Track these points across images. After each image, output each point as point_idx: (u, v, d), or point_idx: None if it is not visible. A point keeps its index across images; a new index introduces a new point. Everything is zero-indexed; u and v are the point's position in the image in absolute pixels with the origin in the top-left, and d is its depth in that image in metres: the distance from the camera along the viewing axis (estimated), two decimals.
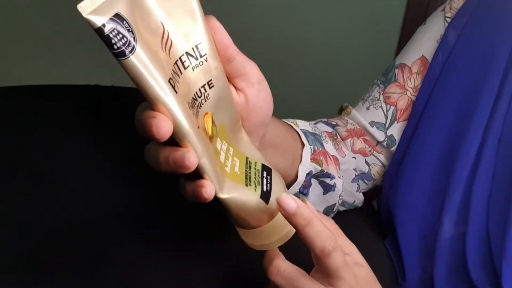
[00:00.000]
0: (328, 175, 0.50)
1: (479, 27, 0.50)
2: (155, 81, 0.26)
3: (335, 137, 0.55)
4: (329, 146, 0.52)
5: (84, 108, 0.80)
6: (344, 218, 0.59)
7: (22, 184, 0.60)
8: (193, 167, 0.28)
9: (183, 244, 0.52)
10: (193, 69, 0.29)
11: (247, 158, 0.34)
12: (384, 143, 0.55)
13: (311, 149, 0.49)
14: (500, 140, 0.46)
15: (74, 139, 0.71)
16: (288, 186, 0.47)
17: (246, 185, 0.32)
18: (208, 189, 0.29)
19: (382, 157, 0.57)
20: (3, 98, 0.82)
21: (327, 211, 0.54)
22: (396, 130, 0.55)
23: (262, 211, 0.33)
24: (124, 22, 0.23)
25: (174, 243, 0.52)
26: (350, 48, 1.51)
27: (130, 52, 0.24)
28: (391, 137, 0.55)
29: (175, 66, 0.28)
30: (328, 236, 0.32)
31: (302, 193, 0.49)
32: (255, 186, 0.33)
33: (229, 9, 1.44)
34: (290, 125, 0.49)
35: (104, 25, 0.22)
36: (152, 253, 0.50)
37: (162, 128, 0.26)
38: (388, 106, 0.55)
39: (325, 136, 0.53)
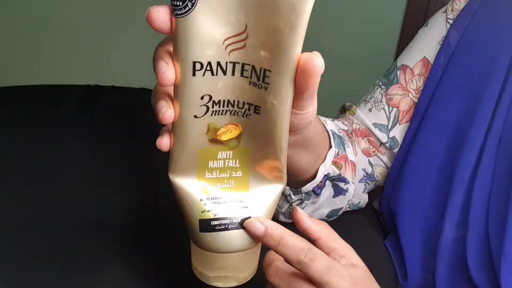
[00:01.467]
0: (344, 180, 0.50)
1: (481, 29, 0.50)
2: (186, 49, 0.26)
3: (350, 136, 0.55)
4: (349, 151, 0.52)
5: (84, 108, 0.80)
6: (344, 218, 0.59)
7: (22, 183, 0.60)
8: (163, 121, 0.29)
9: (183, 243, 0.52)
10: (249, 83, 0.28)
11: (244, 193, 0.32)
12: (387, 144, 0.55)
13: (335, 152, 0.48)
14: (500, 142, 0.46)
15: (74, 139, 0.71)
16: (303, 183, 0.47)
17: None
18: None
19: (385, 158, 0.57)
20: (3, 98, 0.82)
21: (331, 214, 0.54)
22: (398, 132, 0.55)
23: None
24: None
25: (174, 242, 0.52)
26: (350, 48, 1.51)
27: (180, 15, 0.25)
28: (393, 139, 0.55)
29: (229, 64, 0.27)
30: (301, 249, 0.32)
31: (315, 192, 0.48)
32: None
33: None
34: (323, 124, 0.48)
35: None
36: (152, 253, 0.50)
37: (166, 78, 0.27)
38: (391, 108, 0.55)
39: (347, 140, 0.52)
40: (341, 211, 0.54)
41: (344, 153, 0.50)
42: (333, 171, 0.48)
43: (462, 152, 0.48)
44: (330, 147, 0.47)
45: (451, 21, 0.53)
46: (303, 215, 0.35)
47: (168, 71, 0.27)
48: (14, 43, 1.58)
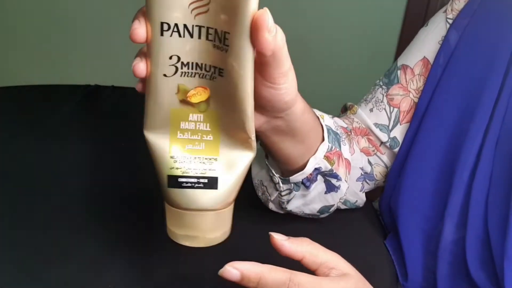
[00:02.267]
0: (336, 176, 0.50)
1: (480, 28, 0.50)
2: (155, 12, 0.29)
3: (349, 133, 0.55)
4: (345, 149, 0.52)
5: (84, 108, 0.80)
6: (344, 218, 0.59)
7: (22, 183, 0.60)
8: (136, 74, 0.31)
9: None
10: (213, 46, 0.30)
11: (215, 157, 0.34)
12: (387, 144, 0.55)
13: (328, 146, 0.48)
14: (497, 141, 0.46)
15: (74, 139, 0.71)
16: (293, 173, 0.47)
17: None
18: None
19: (385, 158, 0.57)
20: (3, 98, 0.82)
21: (323, 210, 0.54)
22: (399, 132, 0.55)
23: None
24: None
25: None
26: (350, 48, 1.51)
27: None
28: (394, 139, 0.55)
29: (195, 27, 0.30)
30: (283, 283, 0.32)
31: (305, 184, 0.48)
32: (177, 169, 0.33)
33: None
34: (318, 118, 0.48)
35: None
36: (153, 253, 0.50)
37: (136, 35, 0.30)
38: (392, 108, 0.55)
39: (344, 138, 0.52)
40: (332, 208, 0.54)
41: (338, 149, 0.50)
42: (325, 165, 0.48)
43: (462, 152, 0.48)
44: (323, 140, 0.47)
45: (450, 21, 0.53)
46: (281, 240, 0.35)
47: (139, 29, 0.30)
48: (14, 43, 1.58)
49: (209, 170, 0.33)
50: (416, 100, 0.54)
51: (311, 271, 0.36)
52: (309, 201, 0.51)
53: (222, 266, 0.43)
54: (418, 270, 0.53)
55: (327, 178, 0.50)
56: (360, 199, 0.58)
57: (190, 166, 0.33)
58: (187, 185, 0.33)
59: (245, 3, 0.28)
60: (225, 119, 0.32)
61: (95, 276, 0.47)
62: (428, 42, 0.54)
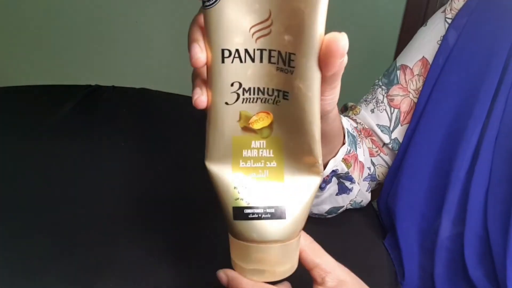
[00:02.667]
0: (350, 179, 0.50)
1: (478, 27, 0.50)
2: (215, 39, 0.28)
3: (359, 133, 0.56)
4: (360, 152, 0.52)
5: (84, 108, 0.80)
6: (344, 218, 0.59)
7: (22, 183, 0.60)
8: (196, 106, 0.29)
9: (184, 243, 0.52)
10: (276, 69, 0.29)
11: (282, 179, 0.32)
12: (390, 145, 0.56)
13: (347, 149, 0.48)
14: (497, 138, 0.46)
15: (75, 139, 0.71)
16: None
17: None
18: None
19: (387, 158, 0.57)
20: (3, 98, 0.82)
21: (331, 211, 0.54)
22: (400, 133, 0.55)
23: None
24: None
25: (175, 241, 0.52)
26: (349, 49, 1.50)
27: (207, 6, 0.27)
28: (395, 140, 0.55)
29: (257, 51, 0.29)
30: None
31: (320, 186, 0.48)
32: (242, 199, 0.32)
33: None
34: (341, 119, 0.48)
35: None
36: (153, 252, 0.50)
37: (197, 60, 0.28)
38: (392, 109, 0.55)
39: (359, 140, 0.53)
40: (341, 209, 0.54)
41: (355, 152, 0.50)
42: (342, 168, 0.48)
43: (458, 150, 0.48)
44: (343, 143, 0.47)
45: (449, 21, 0.53)
46: None
47: (200, 55, 0.28)
48: (14, 43, 1.58)
49: (275, 199, 0.31)
50: (415, 100, 0.54)
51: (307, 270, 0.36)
52: (320, 202, 0.52)
53: (222, 266, 0.43)
54: (415, 269, 0.53)
55: (342, 180, 0.50)
56: (365, 198, 0.58)
57: (256, 196, 0.31)
58: (253, 216, 0.31)
59: (312, 22, 0.26)
60: (290, 144, 0.31)
61: (95, 276, 0.47)
62: (427, 42, 0.54)
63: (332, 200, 0.52)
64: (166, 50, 1.52)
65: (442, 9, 0.55)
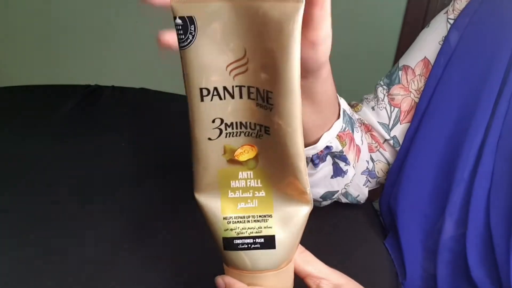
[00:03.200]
0: (345, 159, 0.50)
1: (481, 27, 0.50)
2: (191, 83, 0.28)
3: (360, 125, 0.56)
4: (357, 135, 0.52)
5: (84, 108, 0.80)
6: (344, 218, 0.59)
7: (22, 183, 0.60)
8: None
9: (184, 243, 0.52)
10: (256, 105, 0.29)
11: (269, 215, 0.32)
12: (391, 142, 0.56)
13: (342, 126, 0.48)
14: (499, 138, 0.46)
15: (75, 139, 0.71)
16: (305, 146, 0.46)
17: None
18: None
19: (387, 154, 0.57)
20: (3, 98, 0.82)
21: (326, 196, 0.54)
22: (399, 132, 0.55)
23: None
24: (192, 26, 0.27)
25: (174, 241, 0.52)
26: (349, 49, 1.51)
27: (183, 47, 0.27)
28: (394, 138, 0.56)
29: (235, 88, 0.29)
30: None
31: (313, 162, 0.48)
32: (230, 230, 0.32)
33: None
34: (335, 91, 0.47)
35: (175, 17, 0.27)
36: (153, 253, 0.50)
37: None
38: (392, 107, 0.56)
39: (358, 125, 0.53)
40: (336, 195, 0.54)
41: (351, 132, 0.50)
42: (336, 145, 0.48)
43: (462, 150, 0.48)
44: (338, 118, 0.47)
45: (451, 21, 0.53)
46: None
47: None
48: (14, 43, 1.58)
49: (265, 228, 0.32)
50: (417, 100, 0.54)
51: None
52: (314, 183, 0.51)
53: (220, 270, 0.43)
54: (417, 270, 0.53)
55: (336, 160, 0.50)
56: (362, 193, 0.58)
57: (244, 226, 0.32)
58: (243, 246, 0.32)
59: (285, 63, 0.26)
60: (276, 174, 0.31)
61: (96, 275, 0.47)
62: (429, 43, 0.54)
63: (327, 184, 0.52)
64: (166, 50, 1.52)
65: (444, 10, 0.55)
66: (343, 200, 0.58)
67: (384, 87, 0.57)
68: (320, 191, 0.53)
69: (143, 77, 1.57)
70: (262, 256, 0.32)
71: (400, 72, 0.56)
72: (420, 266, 0.53)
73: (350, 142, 0.50)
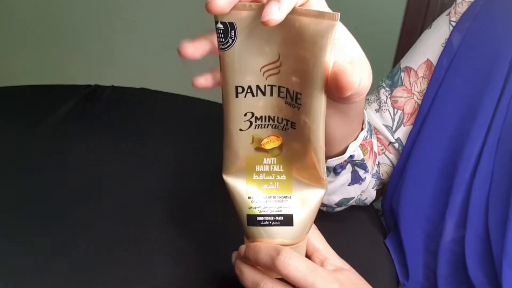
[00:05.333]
0: (365, 168, 0.51)
1: (482, 30, 0.51)
2: (230, 81, 0.31)
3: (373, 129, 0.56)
4: (375, 142, 0.53)
5: (84, 108, 0.80)
6: (345, 218, 0.59)
7: (22, 183, 0.60)
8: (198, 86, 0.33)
9: (183, 243, 0.52)
10: (285, 103, 0.32)
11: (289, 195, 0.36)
12: (396, 144, 0.56)
13: (365, 135, 0.49)
14: (499, 141, 0.46)
15: (74, 139, 0.71)
16: (331, 156, 0.47)
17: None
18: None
19: (392, 157, 0.57)
20: (3, 98, 0.82)
21: (341, 202, 0.55)
22: (402, 134, 0.55)
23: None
24: (232, 31, 0.29)
25: (174, 241, 0.52)
26: None
27: (222, 49, 0.30)
28: (398, 140, 0.56)
29: (267, 87, 0.32)
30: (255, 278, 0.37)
31: (335, 171, 0.49)
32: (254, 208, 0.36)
33: None
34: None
35: (217, 22, 0.29)
36: (153, 253, 0.50)
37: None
38: (395, 110, 0.56)
39: (373, 132, 0.53)
40: (351, 201, 0.55)
41: (371, 139, 0.50)
42: (358, 154, 0.49)
43: (463, 153, 0.48)
44: (362, 129, 0.48)
45: (454, 23, 0.53)
46: None
47: (189, 50, 0.31)
48: (14, 43, 1.58)
49: (284, 208, 0.36)
50: (420, 102, 0.54)
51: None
52: (331, 191, 0.52)
53: (220, 266, 0.43)
54: (419, 269, 0.53)
55: (356, 168, 0.50)
56: (370, 196, 0.58)
57: (266, 205, 0.36)
58: (264, 223, 0.36)
59: (316, 72, 0.29)
60: (297, 162, 0.35)
61: (95, 276, 0.47)
62: (431, 45, 0.54)
63: (343, 191, 0.53)
64: (166, 50, 1.52)
65: (446, 12, 0.55)
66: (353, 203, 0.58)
67: (387, 88, 0.57)
68: (335, 198, 0.53)
69: (143, 77, 1.57)
70: (280, 232, 0.36)
71: (402, 74, 0.56)
72: (423, 267, 0.53)
73: (370, 150, 0.51)
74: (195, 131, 0.76)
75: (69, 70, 1.58)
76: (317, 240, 0.38)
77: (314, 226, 0.38)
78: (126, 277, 0.47)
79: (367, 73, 0.32)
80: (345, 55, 0.32)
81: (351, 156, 0.48)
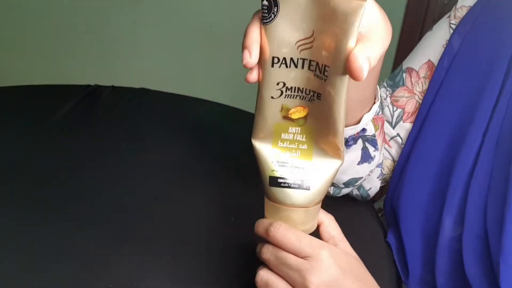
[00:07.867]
0: (375, 144, 0.52)
1: (481, 33, 0.51)
2: (269, 50, 0.35)
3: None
4: (386, 124, 0.54)
5: (84, 108, 0.80)
6: (345, 217, 0.59)
7: (22, 183, 0.60)
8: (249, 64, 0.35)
9: (183, 243, 0.52)
10: (314, 75, 0.36)
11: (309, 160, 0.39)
12: (397, 138, 0.56)
13: (377, 110, 0.50)
14: (497, 141, 0.47)
15: (75, 139, 0.71)
16: (346, 126, 0.48)
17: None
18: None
19: (393, 151, 0.58)
20: (3, 98, 0.82)
21: (349, 182, 0.55)
22: (402, 130, 0.56)
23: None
24: (275, 7, 0.33)
25: (174, 241, 0.52)
26: None
27: (265, 23, 0.34)
28: (398, 135, 0.56)
29: (300, 60, 0.35)
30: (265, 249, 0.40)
31: (348, 143, 0.50)
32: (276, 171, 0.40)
33: (222, 9, 1.45)
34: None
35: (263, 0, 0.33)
36: (152, 252, 0.50)
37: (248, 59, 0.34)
38: (395, 108, 0.57)
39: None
40: (359, 181, 0.56)
41: (383, 116, 0.52)
42: (370, 128, 0.50)
43: (461, 152, 0.49)
44: (375, 102, 0.49)
45: (454, 26, 0.54)
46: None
47: (250, 60, 0.34)
48: (14, 43, 1.58)
49: (303, 173, 0.39)
50: (421, 102, 0.55)
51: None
52: (341, 170, 0.52)
53: (220, 266, 0.43)
54: (419, 267, 0.54)
55: (367, 144, 0.52)
56: (374, 187, 0.59)
57: (288, 170, 0.39)
58: (284, 185, 0.39)
59: (344, 46, 0.32)
60: (319, 133, 0.38)
61: (95, 276, 0.47)
62: (433, 46, 0.55)
63: (353, 171, 0.54)
64: (166, 50, 1.52)
65: (447, 15, 0.56)
66: (355, 192, 0.59)
67: (388, 88, 0.58)
68: (344, 177, 0.54)
69: (143, 77, 1.57)
70: (298, 194, 0.39)
71: (404, 75, 0.57)
72: (422, 265, 0.53)
73: (381, 127, 0.52)
74: (195, 131, 0.76)
75: (69, 70, 1.58)
76: (333, 228, 0.42)
77: (331, 216, 0.43)
78: (126, 277, 0.47)
79: (381, 40, 0.34)
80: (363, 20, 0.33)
81: (364, 130, 0.50)
